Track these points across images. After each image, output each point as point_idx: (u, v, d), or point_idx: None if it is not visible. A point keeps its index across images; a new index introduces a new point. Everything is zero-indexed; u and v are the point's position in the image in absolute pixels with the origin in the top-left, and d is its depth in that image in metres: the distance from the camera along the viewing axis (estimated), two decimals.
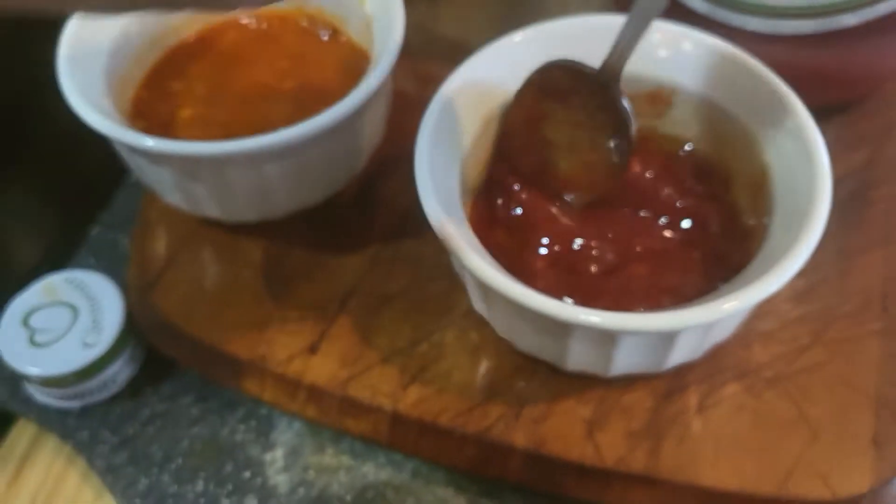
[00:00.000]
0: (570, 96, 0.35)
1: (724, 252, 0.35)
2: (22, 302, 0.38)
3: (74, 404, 0.39)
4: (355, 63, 0.39)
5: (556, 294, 0.30)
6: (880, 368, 0.35)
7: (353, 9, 0.40)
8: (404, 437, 0.35)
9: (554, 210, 0.35)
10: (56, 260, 0.43)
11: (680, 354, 0.33)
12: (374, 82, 0.35)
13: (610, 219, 0.35)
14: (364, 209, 0.40)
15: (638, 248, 0.34)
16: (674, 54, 0.37)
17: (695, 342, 0.32)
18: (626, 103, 0.34)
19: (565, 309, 0.29)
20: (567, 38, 0.37)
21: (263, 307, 0.37)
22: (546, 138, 0.36)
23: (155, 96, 0.39)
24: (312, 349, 0.36)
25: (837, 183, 0.39)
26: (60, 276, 0.39)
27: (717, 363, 0.35)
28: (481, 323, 0.36)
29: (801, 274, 0.30)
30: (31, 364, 0.37)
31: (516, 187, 0.36)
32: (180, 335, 0.37)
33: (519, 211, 0.35)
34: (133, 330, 0.38)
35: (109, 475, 0.37)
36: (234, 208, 0.37)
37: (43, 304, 0.38)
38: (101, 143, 0.36)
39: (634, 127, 0.34)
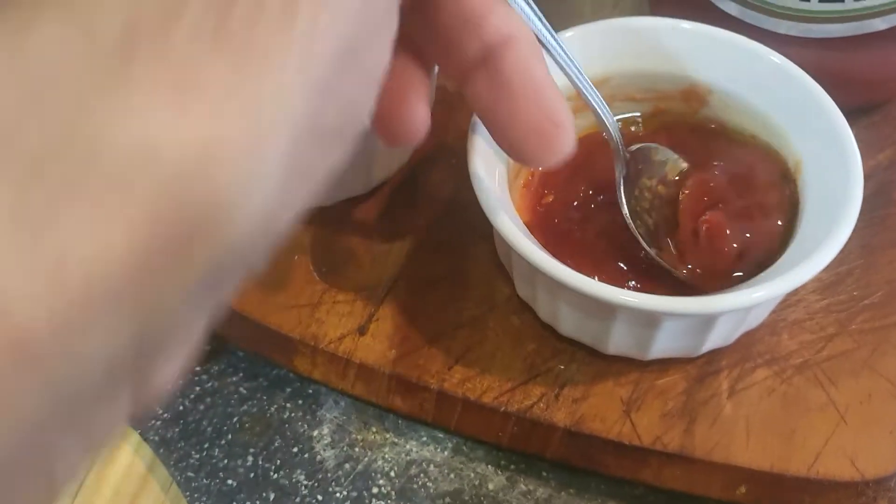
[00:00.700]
0: None
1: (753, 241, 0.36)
2: None
3: None
4: None
5: (602, 272, 0.31)
6: None
7: None
8: (449, 414, 0.37)
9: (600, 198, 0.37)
10: None
11: (715, 340, 0.34)
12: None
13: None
14: (409, 198, 0.42)
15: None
16: (707, 54, 0.38)
17: (730, 328, 0.34)
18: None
19: (612, 291, 0.31)
20: (605, 39, 0.39)
21: (314, 289, 0.39)
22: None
23: None
24: (361, 330, 0.38)
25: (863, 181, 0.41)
26: None
27: (747, 350, 0.37)
28: (522, 308, 0.38)
29: (828, 267, 0.31)
30: None
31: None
32: (233, 316, 0.39)
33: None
34: None
35: (162, 448, 0.39)
36: None
37: None
38: None
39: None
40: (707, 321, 0.32)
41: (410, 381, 0.36)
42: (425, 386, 0.36)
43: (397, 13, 0.20)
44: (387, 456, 0.38)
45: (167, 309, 0.14)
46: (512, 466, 0.38)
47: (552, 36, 0.30)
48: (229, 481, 0.38)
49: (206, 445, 0.39)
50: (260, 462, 0.38)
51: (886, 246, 0.40)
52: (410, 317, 0.38)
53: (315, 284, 0.39)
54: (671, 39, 0.39)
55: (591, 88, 0.33)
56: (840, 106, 0.36)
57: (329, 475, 0.38)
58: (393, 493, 0.37)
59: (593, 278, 0.34)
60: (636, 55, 0.39)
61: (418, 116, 0.26)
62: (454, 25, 0.25)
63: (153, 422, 0.40)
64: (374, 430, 0.39)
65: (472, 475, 0.38)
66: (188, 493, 0.38)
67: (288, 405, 0.40)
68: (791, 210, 0.36)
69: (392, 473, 0.38)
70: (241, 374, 0.41)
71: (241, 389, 0.41)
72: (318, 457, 0.38)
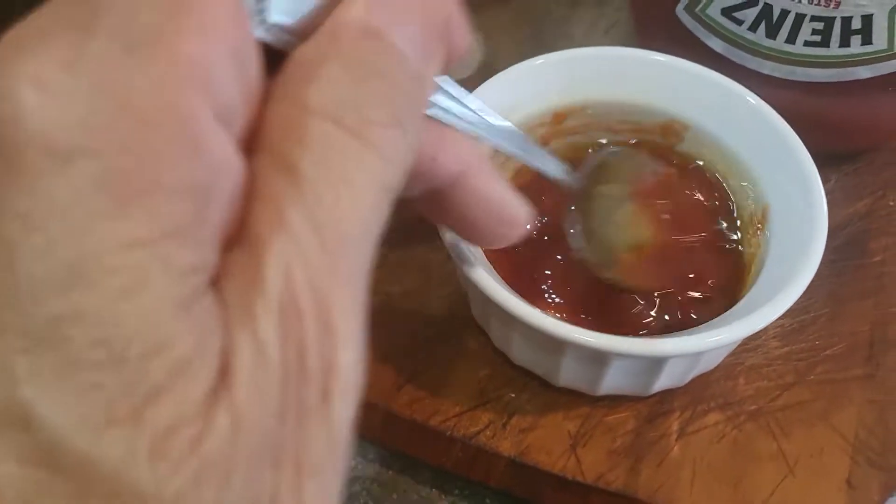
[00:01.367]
0: None
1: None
2: None
3: None
4: None
5: (562, 308, 0.31)
6: (860, 413, 0.36)
7: None
8: (395, 435, 0.36)
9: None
10: None
11: (666, 380, 0.34)
12: None
13: None
14: None
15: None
16: (687, 91, 0.38)
17: (682, 370, 0.34)
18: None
19: (560, 327, 0.30)
20: (588, 66, 0.38)
21: None
22: None
23: None
24: None
25: (837, 229, 0.41)
26: None
27: (701, 392, 0.36)
28: (479, 333, 0.37)
29: (792, 313, 0.31)
30: None
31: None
32: None
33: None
34: None
35: None
36: None
37: None
38: None
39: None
40: (656, 362, 0.32)
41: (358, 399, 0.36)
42: (373, 404, 0.36)
43: None
44: None
45: None
46: (456, 491, 0.37)
47: (473, 111, 0.25)
48: None
49: None
50: None
51: (855, 297, 0.39)
52: (363, 333, 0.37)
53: None
54: (652, 72, 0.38)
55: (518, 141, 0.29)
56: (820, 151, 0.35)
57: None
58: None
59: (549, 310, 0.34)
60: (617, 85, 0.39)
61: None
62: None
63: None
64: None
65: (416, 497, 0.37)
66: None
67: None
68: (755, 254, 0.36)
69: None
70: None
71: None
72: None
